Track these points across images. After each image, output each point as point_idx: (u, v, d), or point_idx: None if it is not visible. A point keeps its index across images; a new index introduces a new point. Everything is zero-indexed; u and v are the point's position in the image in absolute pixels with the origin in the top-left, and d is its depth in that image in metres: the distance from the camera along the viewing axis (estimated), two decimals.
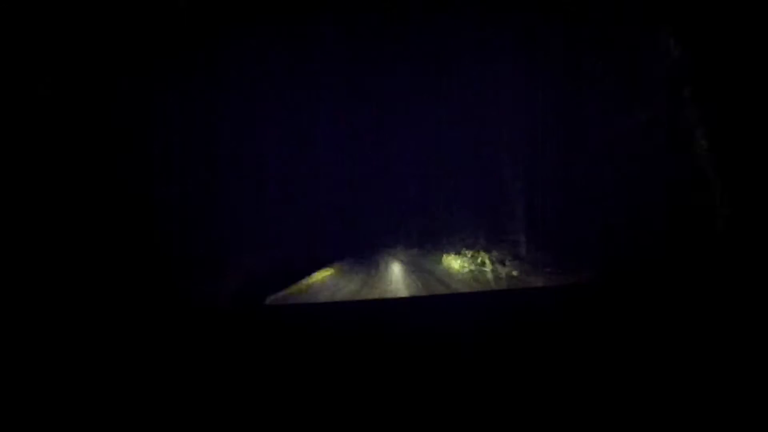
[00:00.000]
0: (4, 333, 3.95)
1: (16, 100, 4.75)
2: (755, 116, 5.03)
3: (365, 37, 6.93)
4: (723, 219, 5.15)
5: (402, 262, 7.99)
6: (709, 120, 5.31)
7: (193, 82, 6.02)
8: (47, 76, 4.98)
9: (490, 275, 7.30)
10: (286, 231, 7.09)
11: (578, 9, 6.08)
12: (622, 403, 2.75)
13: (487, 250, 7.82)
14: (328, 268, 7.38)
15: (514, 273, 7.03)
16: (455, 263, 7.86)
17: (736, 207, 5.08)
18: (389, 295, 6.59)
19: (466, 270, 7.68)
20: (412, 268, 7.77)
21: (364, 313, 5.45)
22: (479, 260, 7.79)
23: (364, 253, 7.96)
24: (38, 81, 4.92)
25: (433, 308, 5.60)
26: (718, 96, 5.26)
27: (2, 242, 4.47)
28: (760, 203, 4.94)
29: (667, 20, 5.56)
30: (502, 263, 7.43)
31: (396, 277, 7.48)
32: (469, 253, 7.96)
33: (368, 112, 7.36)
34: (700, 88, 5.39)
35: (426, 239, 8.20)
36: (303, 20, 6.56)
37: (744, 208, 5.03)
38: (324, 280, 7.10)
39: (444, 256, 7.98)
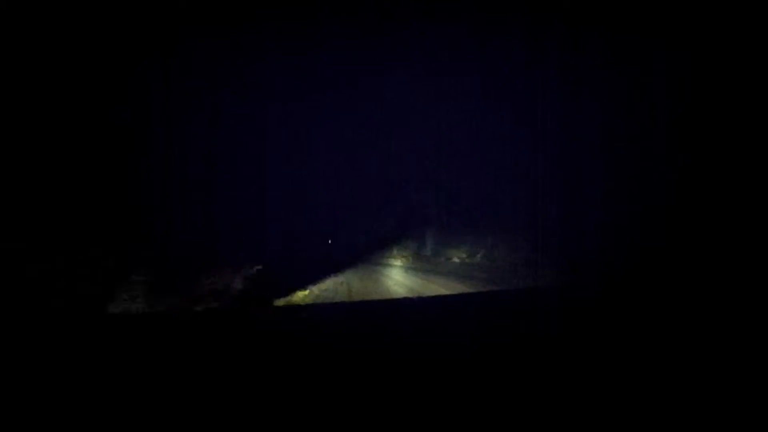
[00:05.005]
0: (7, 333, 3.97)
1: (18, 100, 4.77)
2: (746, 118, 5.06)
3: (366, 38, 6.95)
4: (718, 219, 5.16)
5: (407, 261, 8.06)
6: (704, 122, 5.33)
7: (193, 82, 6.04)
8: (48, 76, 5.01)
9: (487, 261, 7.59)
10: (286, 231, 7.11)
11: (579, 12, 6.10)
12: (620, 400, 2.76)
13: (486, 246, 7.97)
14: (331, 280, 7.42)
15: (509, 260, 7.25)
16: (456, 256, 8.06)
17: (728, 208, 5.10)
18: (391, 296, 6.61)
19: (466, 260, 7.88)
20: (418, 267, 7.88)
21: (366, 313, 5.46)
22: (478, 255, 7.97)
23: (368, 253, 8.01)
24: (39, 81, 4.94)
25: (432, 308, 5.60)
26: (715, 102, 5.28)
27: (5, 237, 4.50)
28: (758, 205, 4.95)
29: (667, 27, 5.59)
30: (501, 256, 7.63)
31: (400, 276, 7.55)
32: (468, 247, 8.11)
33: (369, 114, 7.37)
34: (698, 93, 5.42)
35: (429, 240, 8.27)
36: (303, 20, 6.57)
37: (736, 209, 5.05)
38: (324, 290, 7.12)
39: (447, 251, 8.13)
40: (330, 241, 7.91)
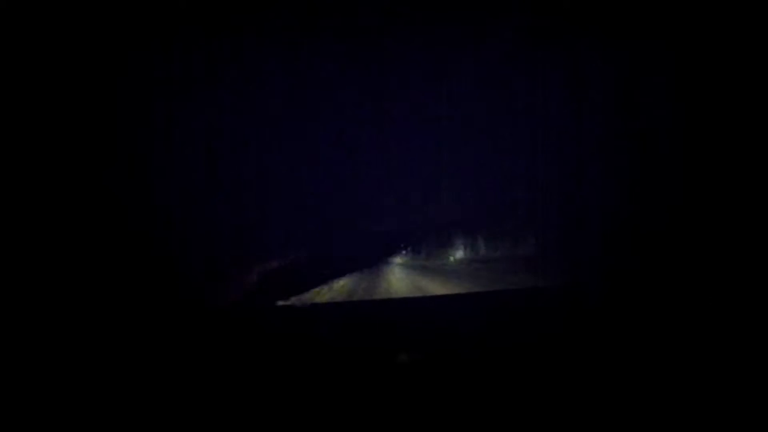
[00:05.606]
0: (7, 335, 3.96)
1: (17, 100, 4.76)
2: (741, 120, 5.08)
3: (367, 37, 6.92)
4: (719, 219, 5.18)
5: (407, 261, 8.10)
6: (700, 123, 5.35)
7: (193, 83, 6.03)
8: (46, 75, 4.99)
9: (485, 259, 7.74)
10: (289, 234, 7.09)
11: (579, 12, 6.09)
12: (622, 401, 2.77)
13: (486, 245, 8.06)
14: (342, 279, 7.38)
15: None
16: (456, 255, 8.16)
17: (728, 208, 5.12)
18: (391, 296, 6.62)
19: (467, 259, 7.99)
20: (418, 267, 7.91)
21: (366, 313, 5.47)
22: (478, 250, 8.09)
23: (368, 253, 8.03)
24: (37, 80, 4.93)
25: (432, 308, 5.62)
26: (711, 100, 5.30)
27: (3, 244, 4.48)
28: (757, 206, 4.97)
29: (664, 28, 5.59)
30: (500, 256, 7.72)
31: (400, 276, 7.56)
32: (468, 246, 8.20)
33: (370, 115, 7.36)
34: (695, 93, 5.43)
35: (429, 240, 8.31)
36: (304, 20, 6.55)
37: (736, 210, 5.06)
38: (341, 290, 7.08)
39: (447, 251, 8.19)
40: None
